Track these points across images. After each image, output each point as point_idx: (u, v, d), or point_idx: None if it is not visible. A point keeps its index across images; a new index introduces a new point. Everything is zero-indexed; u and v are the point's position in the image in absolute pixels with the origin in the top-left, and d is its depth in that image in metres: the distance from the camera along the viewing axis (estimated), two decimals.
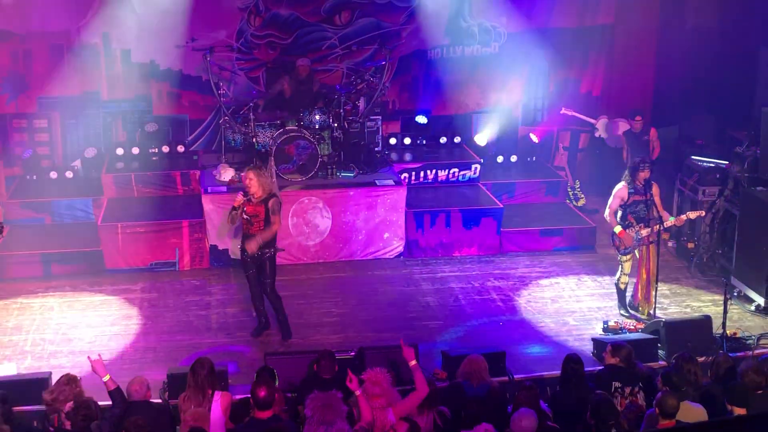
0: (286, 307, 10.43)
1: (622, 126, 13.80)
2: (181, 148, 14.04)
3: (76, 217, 12.99)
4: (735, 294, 11.19)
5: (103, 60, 14.19)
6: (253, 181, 9.93)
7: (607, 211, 10.73)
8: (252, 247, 9.97)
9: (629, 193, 10.53)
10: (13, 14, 13.61)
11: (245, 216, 10.03)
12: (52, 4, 13.67)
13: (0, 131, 13.92)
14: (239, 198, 9.99)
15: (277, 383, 8.00)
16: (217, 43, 14.06)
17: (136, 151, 13.87)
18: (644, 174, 10.43)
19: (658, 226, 10.47)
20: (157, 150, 13.96)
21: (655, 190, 10.56)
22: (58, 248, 12.16)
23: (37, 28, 13.73)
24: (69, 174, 13.67)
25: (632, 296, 10.93)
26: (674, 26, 15.02)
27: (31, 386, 8.53)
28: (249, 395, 7.24)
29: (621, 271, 10.82)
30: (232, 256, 12.12)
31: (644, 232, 10.52)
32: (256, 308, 10.46)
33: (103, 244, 12.08)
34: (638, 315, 10.77)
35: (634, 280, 10.88)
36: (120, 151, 13.85)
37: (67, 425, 7.15)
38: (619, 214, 10.61)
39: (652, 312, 10.67)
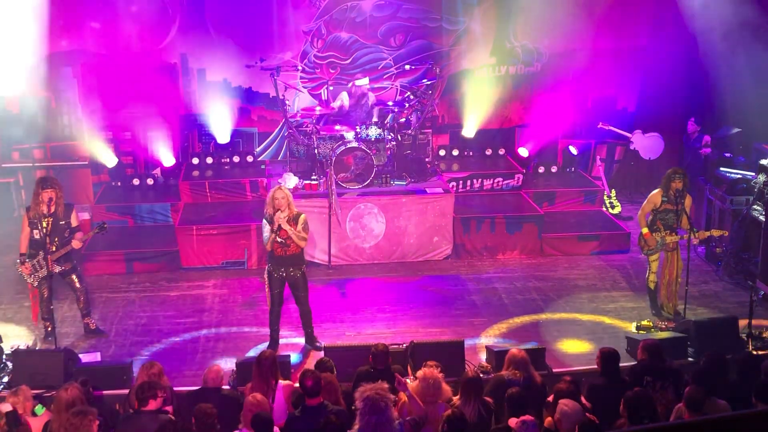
0: (343, 304, 10.38)
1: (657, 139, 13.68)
2: (250, 158, 14.16)
3: (155, 220, 13.16)
4: (760, 296, 10.97)
5: (181, 78, 14.38)
6: (285, 199, 9.35)
7: (639, 213, 10.58)
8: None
9: (662, 201, 10.33)
10: (99, 37, 13.86)
11: (278, 240, 9.39)
12: (136, 27, 13.89)
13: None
14: (274, 227, 9.34)
15: (334, 373, 7.99)
16: (284, 63, 14.17)
17: (209, 160, 14.03)
18: (676, 184, 10.18)
19: (686, 236, 10.26)
20: (228, 160, 14.10)
21: (687, 202, 10.33)
22: (140, 248, 12.32)
23: (122, 49, 13.94)
24: (150, 181, 13.87)
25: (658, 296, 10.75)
26: (704, 48, 14.76)
27: (114, 373, 8.63)
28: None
29: (649, 271, 10.64)
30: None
31: (669, 239, 10.33)
32: (272, 328, 9.79)
33: (179, 244, 12.20)
34: (663, 314, 10.56)
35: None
36: (195, 161, 14.01)
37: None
38: (650, 218, 10.45)
39: (675, 310, 10.47)
